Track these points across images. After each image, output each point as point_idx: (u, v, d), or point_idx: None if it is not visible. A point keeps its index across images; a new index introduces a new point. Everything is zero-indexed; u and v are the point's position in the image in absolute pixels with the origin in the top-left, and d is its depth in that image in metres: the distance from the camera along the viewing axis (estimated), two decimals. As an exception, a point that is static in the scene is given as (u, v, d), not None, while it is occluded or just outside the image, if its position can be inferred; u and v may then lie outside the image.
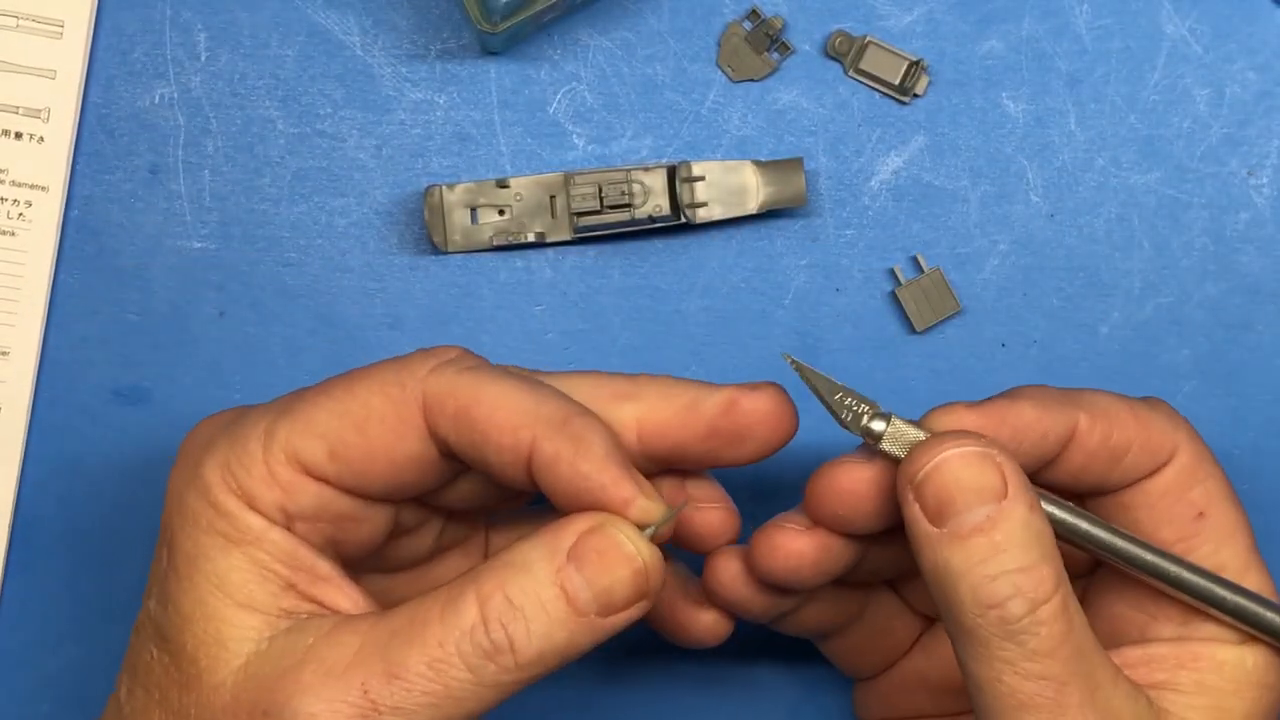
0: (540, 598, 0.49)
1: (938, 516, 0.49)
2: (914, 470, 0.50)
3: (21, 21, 0.63)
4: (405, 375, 0.51)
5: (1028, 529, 0.49)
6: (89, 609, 0.63)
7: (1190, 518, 0.53)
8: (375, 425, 0.51)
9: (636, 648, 0.63)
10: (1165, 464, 0.53)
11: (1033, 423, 0.52)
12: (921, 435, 0.51)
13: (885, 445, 0.52)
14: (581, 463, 0.50)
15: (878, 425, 0.52)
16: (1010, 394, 0.53)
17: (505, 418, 0.50)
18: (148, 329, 0.63)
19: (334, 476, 0.51)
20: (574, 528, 0.50)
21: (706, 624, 0.55)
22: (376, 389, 0.51)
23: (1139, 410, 0.53)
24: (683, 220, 0.62)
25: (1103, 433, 0.53)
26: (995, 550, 0.49)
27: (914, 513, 0.50)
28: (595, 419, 0.51)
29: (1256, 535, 0.64)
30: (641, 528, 0.50)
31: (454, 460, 0.52)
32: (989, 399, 0.53)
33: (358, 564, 0.54)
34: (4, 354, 0.63)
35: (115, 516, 0.63)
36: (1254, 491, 0.64)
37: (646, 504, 0.50)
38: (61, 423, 0.63)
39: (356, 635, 0.49)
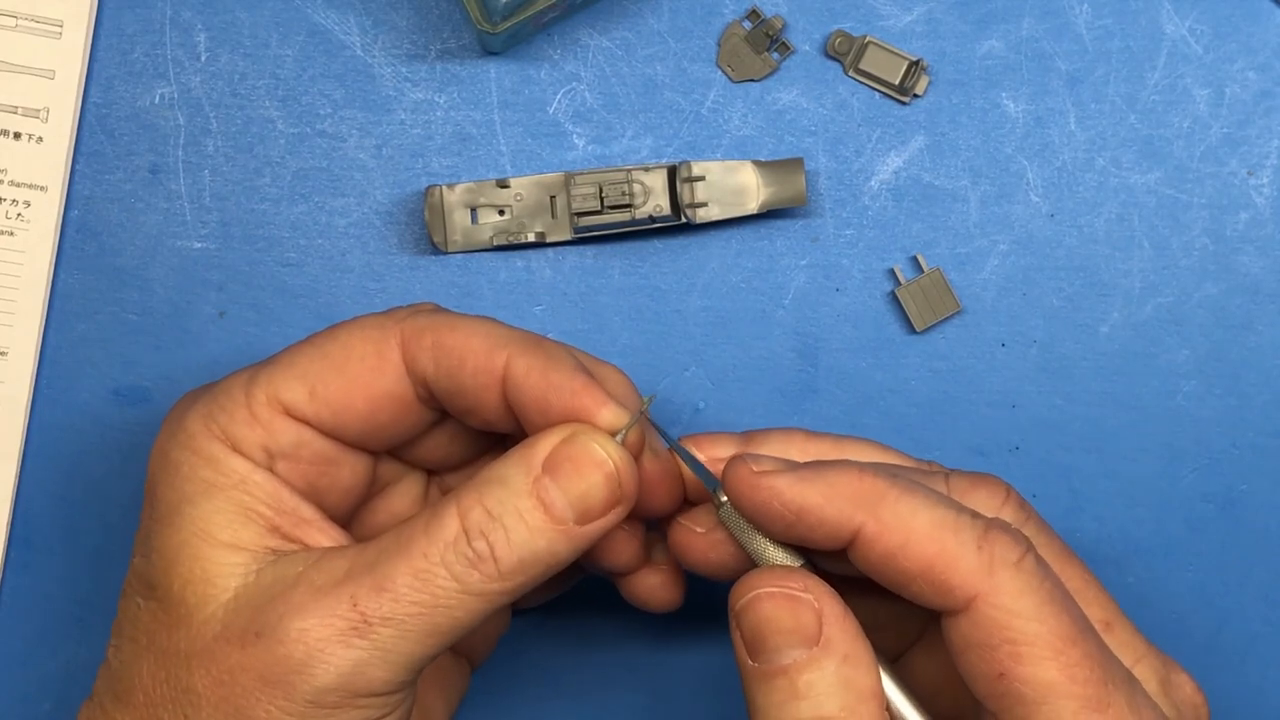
0: (518, 508, 0.51)
1: (752, 650, 0.50)
2: (734, 599, 0.51)
3: (20, 21, 0.63)
4: (384, 319, 0.54)
5: (834, 678, 0.49)
6: (89, 609, 0.63)
7: (992, 676, 0.49)
8: (355, 364, 0.53)
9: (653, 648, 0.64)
10: (961, 610, 0.49)
11: (812, 509, 0.50)
12: (746, 528, 0.52)
13: (721, 514, 0.52)
14: (553, 373, 0.52)
15: (722, 497, 0.52)
16: (817, 469, 0.51)
17: (480, 342, 0.53)
18: (148, 329, 0.63)
19: (313, 416, 0.53)
20: (547, 440, 0.52)
21: (653, 585, 0.56)
22: (356, 332, 0.54)
23: (950, 533, 0.49)
24: (683, 220, 0.62)
25: (885, 549, 0.50)
26: (794, 694, 0.49)
27: (736, 640, 0.50)
28: (565, 345, 0.54)
29: (1256, 538, 0.64)
30: (611, 434, 0.52)
31: (430, 406, 0.54)
32: (807, 466, 0.51)
33: (340, 522, 0.55)
34: (2, 354, 0.63)
35: (115, 516, 0.63)
36: (1254, 491, 0.64)
37: (615, 408, 0.52)
38: (61, 423, 0.63)
39: (344, 559, 0.51)
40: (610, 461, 0.51)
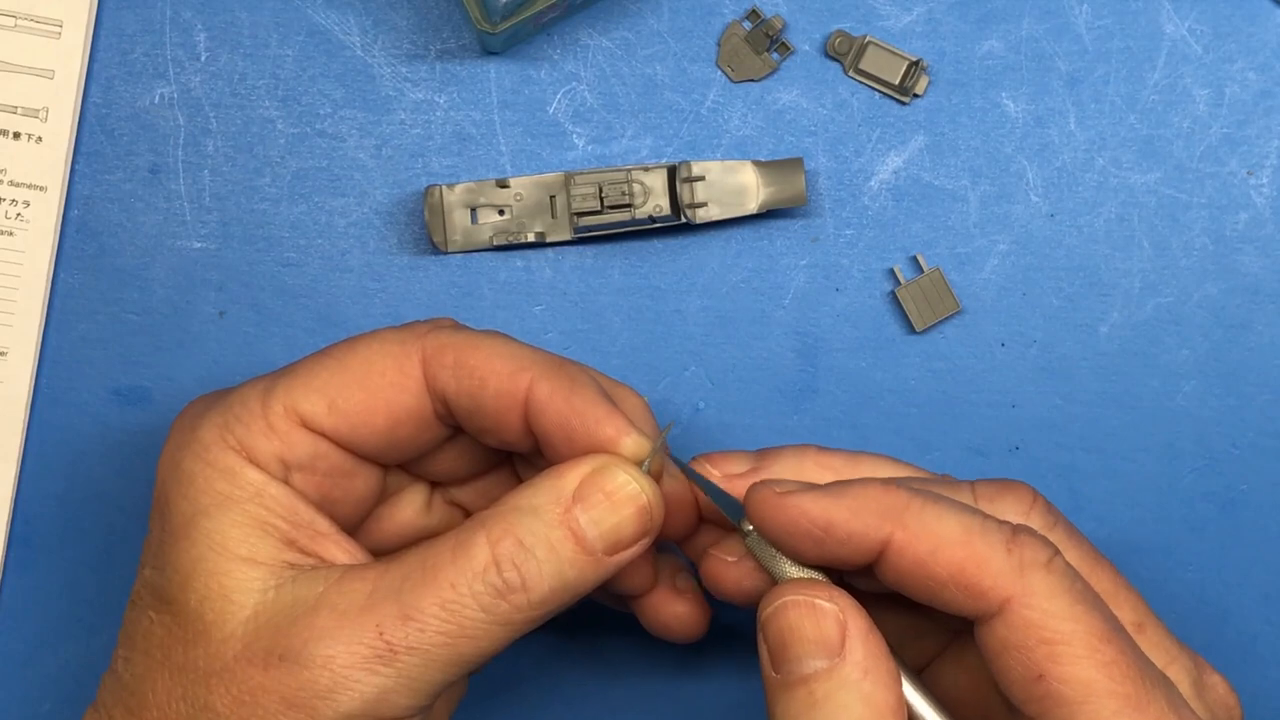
0: (549, 539, 0.51)
1: (776, 660, 0.50)
2: (763, 607, 0.51)
3: (20, 21, 0.63)
4: (405, 334, 0.54)
5: (854, 691, 0.49)
6: (89, 608, 0.63)
7: (1030, 679, 0.49)
8: (376, 379, 0.53)
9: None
10: (995, 614, 0.49)
11: (840, 523, 0.50)
12: (773, 554, 0.52)
13: (749, 543, 0.52)
14: (576, 398, 0.52)
15: (747, 526, 0.52)
16: (841, 486, 0.51)
17: (503, 364, 0.53)
18: (148, 329, 0.63)
19: (332, 430, 0.53)
20: (576, 471, 0.52)
21: (679, 613, 0.56)
22: (377, 346, 0.54)
23: (979, 538, 0.49)
24: (683, 220, 0.63)
25: (915, 557, 0.50)
26: (812, 705, 0.49)
27: (761, 651, 0.50)
28: (586, 367, 0.54)
29: (1256, 538, 0.64)
30: (637, 463, 0.52)
31: (445, 423, 0.54)
32: (830, 485, 0.51)
33: (349, 532, 0.55)
34: (2, 354, 0.63)
35: (115, 517, 0.63)
36: (1254, 491, 0.64)
37: (639, 437, 0.52)
38: (61, 423, 0.63)
39: (366, 582, 0.51)
40: (644, 495, 0.52)
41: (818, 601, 0.50)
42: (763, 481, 0.52)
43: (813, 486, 0.51)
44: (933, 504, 0.50)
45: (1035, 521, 0.53)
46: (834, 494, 0.50)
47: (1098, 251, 0.64)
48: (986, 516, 0.50)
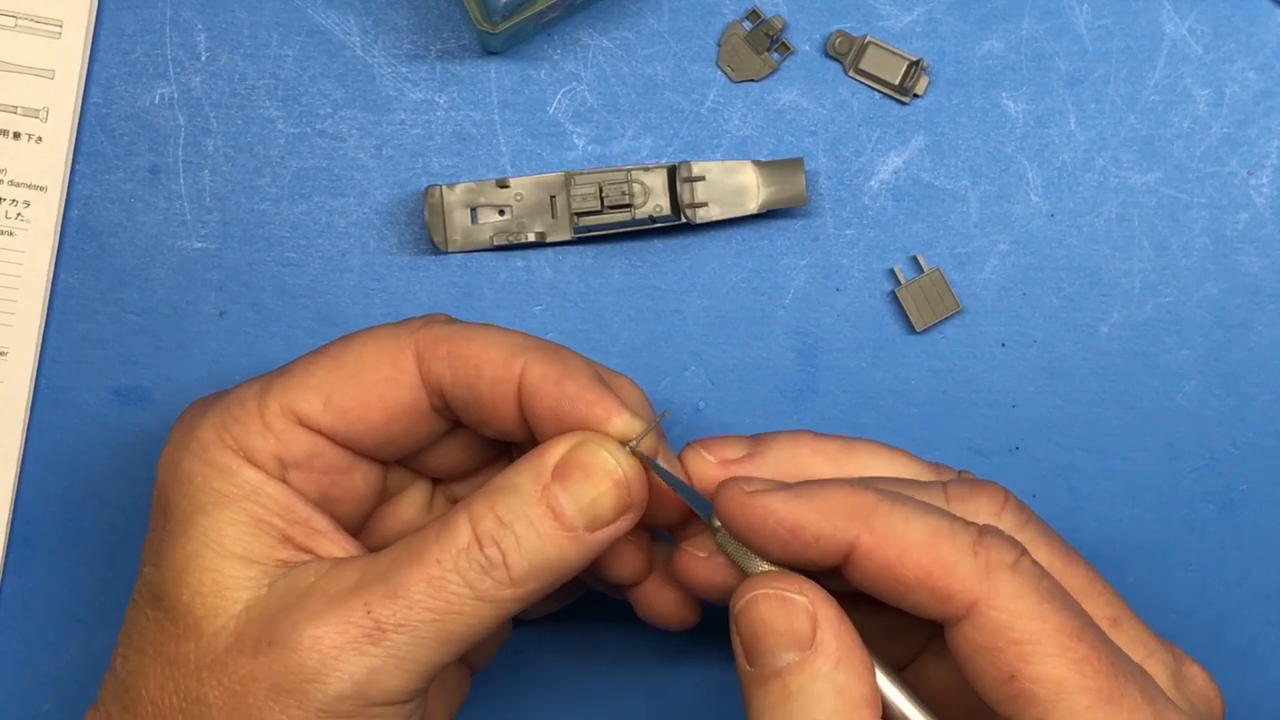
0: (528, 515, 0.51)
1: (749, 654, 0.50)
2: (734, 601, 0.51)
3: (20, 21, 0.63)
4: (399, 329, 0.54)
5: (826, 683, 0.49)
6: (89, 608, 0.63)
7: (1002, 679, 0.49)
8: (370, 374, 0.53)
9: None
10: (963, 616, 0.49)
11: (808, 525, 0.50)
12: (743, 551, 0.52)
13: (719, 539, 0.52)
14: (568, 381, 0.52)
15: (717, 522, 0.52)
16: (809, 487, 0.51)
17: (498, 351, 0.53)
18: (148, 329, 0.63)
19: (328, 427, 0.53)
20: (557, 448, 0.52)
21: (673, 602, 0.56)
22: (370, 342, 0.54)
23: (945, 541, 0.49)
24: (683, 220, 0.63)
25: (882, 560, 0.50)
26: (786, 698, 0.49)
27: (735, 645, 0.51)
28: (578, 353, 0.54)
29: (1256, 538, 0.64)
30: (624, 443, 0.52)
31: (443, 416, 0.55)
32: (799, 485, 0.51)
33: (352, 531, 0.55)
34: (2, 354, 0.63)
35: (115, 517, 0.63)
36: (1254, 491, 0.64)
37: (628, 418, 0.52)
38: (61, 423, 0.63)
39: (356, 569, 0.51)
40: (620, 469, 0.52)
41: (788, 594, 0.50)
42: (732, 479, 0.52)
43: (783, 486, 0.51)
44: (900, 506, 0.50)
45: (1007, 521, 0.53)
46: (802, 495, 0.51)
47: (1098, 251, 0.64)
48: (954, 519, 0.50)
